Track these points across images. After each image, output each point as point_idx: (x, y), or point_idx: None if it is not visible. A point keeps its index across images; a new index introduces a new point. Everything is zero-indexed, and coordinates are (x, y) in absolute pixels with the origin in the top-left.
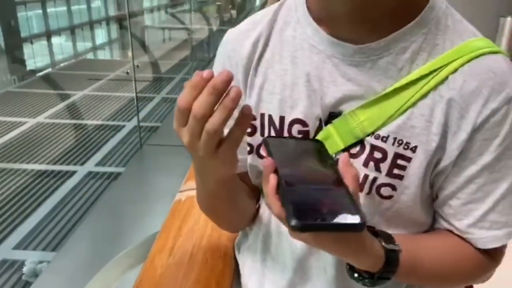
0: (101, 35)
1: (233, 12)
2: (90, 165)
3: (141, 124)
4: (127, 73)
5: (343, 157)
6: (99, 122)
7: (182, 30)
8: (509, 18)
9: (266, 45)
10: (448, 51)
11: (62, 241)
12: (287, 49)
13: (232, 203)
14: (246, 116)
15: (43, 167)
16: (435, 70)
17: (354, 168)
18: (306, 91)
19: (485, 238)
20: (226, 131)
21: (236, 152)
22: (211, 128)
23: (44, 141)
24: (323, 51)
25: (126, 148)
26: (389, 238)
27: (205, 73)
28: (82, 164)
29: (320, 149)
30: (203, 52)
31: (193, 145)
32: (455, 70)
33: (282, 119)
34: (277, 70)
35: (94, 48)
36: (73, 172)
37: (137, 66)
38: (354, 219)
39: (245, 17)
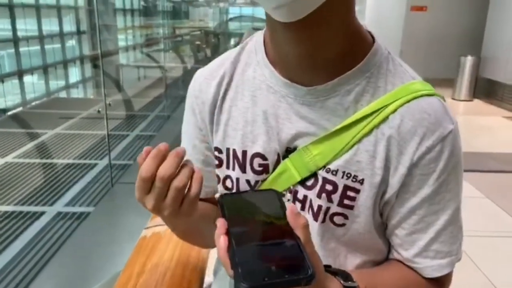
0: (74, 73)
1: (208, 51)
2: (59, 206)
3: (113, 162)
4: (99, 111)
5: (290, 208)
6: (70, 161)
7: (157, 69)
8: (469, 57)
9: (229, 84)
10: (389, 92)
11: (29, 284)
12: (248, 88)
13: (205, 229)
14: (198, 172)
15: (10, 208)
16: (377, 110)
17: (303, 218)
18: (264, 127)
19: (431, 267)
20: None
21: (197, 205)
22: (180, 184)
23: (12, 181)
24: (278, 92)
25: (97, 187)
26: (347, 276)
27: (161, 145)
28: (51, 204)
29: (273, 200)
30: (178, 89)
31: (158, 207)
32: (395, 110)
33: (244, 153)
34: (240, 108)
35: (67, 87)
36: (42, 213)
37: (109, 104)
38: (304, 272)
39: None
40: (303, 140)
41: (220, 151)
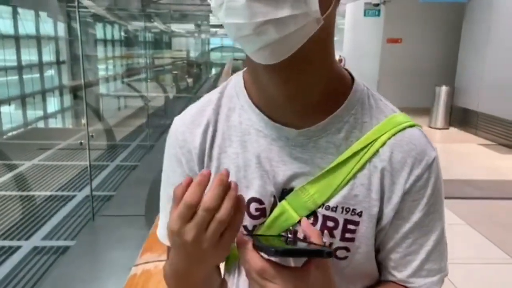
0: (54, 103)
1: (189, 80)
2: (36, 239)
3: (94, 193)
4: (81, 143)
5: (304, 221)
6: (48, 193)
7: (139, 98)
8: (443, 87)
9: (215, 132)
10: (375, 127)
11: None
12: (235, 134)
13: (206, 284)
14: (242, 201)
15: None
16: (367, 145)
17: (315, 228)
18: (258, 172)
19: (424, 285)
20: None
21: (235, 237)
22: (223, 216)
23: None
24: (269, 135)
25: (76, 220)
26: None
27: (205, 172)
28: (27, 238)
29: None
30: (160, 119)
31: (199, 238)
32: (384, 144)
33: None
34: (230, 154)
35: (46, 117)
36: (17, 248)
37: (92, 135)
38: (324, 247)
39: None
40: (299, 180)
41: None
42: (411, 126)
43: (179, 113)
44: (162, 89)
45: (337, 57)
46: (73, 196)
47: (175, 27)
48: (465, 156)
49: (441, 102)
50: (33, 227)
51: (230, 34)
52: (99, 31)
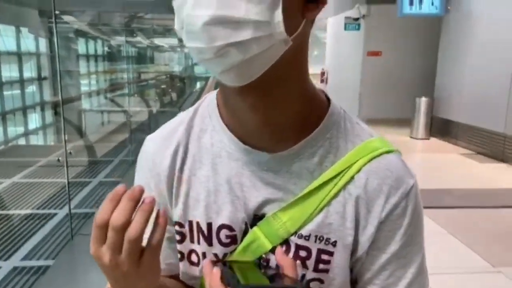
0: (35, 120)
1: (173, 94)
2: (16, 260)
3: (74, 211)
4: (58, 160)
5: (278, 250)
6: (28, 212)
7: (121, 113)
8: (423, 98)
9: (185, 153)
10: (350, 152)
11: None
12: (207, 156)
13: None
14: (162, 216)
15: None
16: (342, 171)
17: (290, 258)
18: (229, 197)
19: None
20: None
21: (159, 258)
22: (133, 235)
23: None
24: (240, 159)
25: (56, 239)
26: None
27: (119, 188)
28: (6, 259)
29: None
30: (143, 133)
31: (115, 261)
32: (359, 170)
33: (209, 225)
34: (200, 177)
35: (26, 134)
36: None
37: (70, 152)
38: (296, 285)
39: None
40: (271, 206)
41: (181, 225)
42: (388, 152)
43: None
44: (146, 104)
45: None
46: (54, 215)
47: (158, 41)
48: (445, 165)
49: (422, 113)
50: (13, 247)
51: (194, 57)
52: (81, 46)
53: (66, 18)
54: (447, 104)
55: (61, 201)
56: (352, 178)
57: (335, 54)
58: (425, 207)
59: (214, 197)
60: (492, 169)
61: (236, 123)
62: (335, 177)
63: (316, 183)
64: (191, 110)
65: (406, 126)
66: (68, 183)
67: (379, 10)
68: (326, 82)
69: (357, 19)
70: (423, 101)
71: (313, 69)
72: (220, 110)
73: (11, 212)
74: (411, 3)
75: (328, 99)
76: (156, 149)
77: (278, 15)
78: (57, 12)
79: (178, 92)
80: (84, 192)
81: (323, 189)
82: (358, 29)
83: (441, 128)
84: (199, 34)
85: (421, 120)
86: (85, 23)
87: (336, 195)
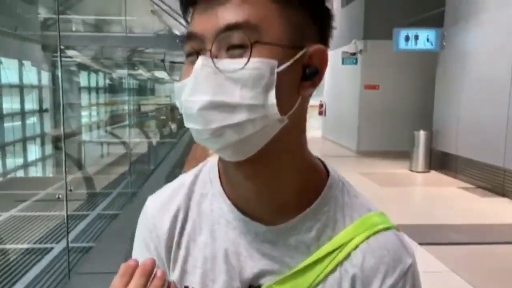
0: (34, 151)
1: (173, 126)
2: None
3: (71, 245)
4: (58, 198)
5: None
6: (24, 246)
7: (121, 145)
8: (421, 131)
9: (185, 218)
10: (348, 227)
11: None
12: (206, 222)
13: None
14: (160, 278)
15: None
16: (339, 247)
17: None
18: (225, 266)
19: None
20: None
21: None
22: None
23: None
24: (238, 228)
25: (52, 275)
26: None
27: (131, 262)
28: None
29: None
30: (143, 165)
31: None
32: (356, 247)
33: None
34: (199, 243)
35: (25, 166)
36: None
37: (70, 190)
38: None
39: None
40: (267, 278)
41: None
42: (386, 229)
43: (162, 159)
44: (145, 135)
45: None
46: (50, 249)
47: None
48: (446, 199)
49: (421, 146)
50: (8, 283)
51: (193, 135)
52: (83, 79)
53: (69, 52)
54: (445, 137)
55: (57, 234)
56: (349, 254)
57: (333, 86)
58: (427, 244)
59: (211, 265)
60: (492, 204)
61: (235, 191)
62: (332, 252)
63: (312, 258)
64: (192, 173)
65: (405, 159)
66: (67, 217)
67: (376, 45)
68: (325, 114)
69: (354, 53)
70: (421, 134)
71: (312, 101)
72: (220, 177)
73: (8, 246)
74: (406, 39)
75: (327, 169)
76: (156, 212)
77: (272, 97)
78: (61, 47)
79: (177, 123)
80: (83, 224)
81: (319, 264)
82: (356, 63)
83: (441, 161)
84: (196, 117)
85: (420, 153)
86: (88, 57)
87: (332, 271)
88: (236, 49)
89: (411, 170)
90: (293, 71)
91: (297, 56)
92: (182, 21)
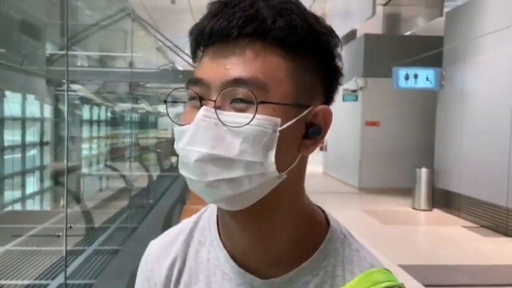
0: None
1: (174, 160)
2: None
3: (69, 282)
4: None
5: None
6: (20, 282)
7: (120, 179)
8: (423, 169)
9: (183, 266)
10: (348, 283)
11: None
12: (202, 272)
13: None
14: None
15: None
16: None
17: None
18: None
19: None
20: None
21: None
22: None
23: None
24: (233, 279)
25: None
26: None
27: None
28: None
29: None
30: (142, 199)
31: None
32: None
33: None
34: None
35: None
36: None
37: (70, 227)
38: None
39: None
40: None
41: None
42: (391, 287)
43: (163, 193)
44: (146, 169)
45: None
46: (46, 286)
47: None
48: (450, 239)
49: (423, 184)
50: None
51: (187, 183)
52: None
53: (73, 86)
54: (447, 175)
55: (54, 270)
56: None
57: (334, 123)
58: (431, 286)
59: None
60: (496, 244)
61: (231, 241)
62: None
63: None
64: (192, 220)
65: (407, 196)
66: (66, 252)
67: (376, 83)
68: (326, 150)
69: (354, 90)
70: (423, 172)
71: None
72: (218, 224)
73: (2, 282)
74: (406, 77)
75: (328, 221)
76: (155, 258)
77: (271, 156)
78: (64, 81)
79: (178, 156)
80: (79, 260)
81: None
82: (356, 100)
83: (443, 199)
84: (192, 168)
85: (422, 191)
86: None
87: None
88: (240, 103)
89: (413, 208)
90: (296, 128)
91: (302, 115)
92: (185, 57)
